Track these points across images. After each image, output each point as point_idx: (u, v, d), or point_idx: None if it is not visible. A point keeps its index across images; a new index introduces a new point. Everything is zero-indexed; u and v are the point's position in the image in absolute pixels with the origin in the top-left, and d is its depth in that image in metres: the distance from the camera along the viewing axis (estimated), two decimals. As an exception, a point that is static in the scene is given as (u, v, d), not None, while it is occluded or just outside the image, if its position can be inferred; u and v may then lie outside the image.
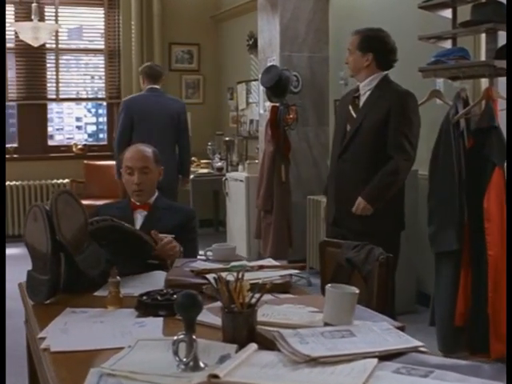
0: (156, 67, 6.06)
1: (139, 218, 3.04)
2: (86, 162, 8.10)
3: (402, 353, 1.65)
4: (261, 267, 2.55)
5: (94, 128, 10.05)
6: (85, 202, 7.26)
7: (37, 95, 8.19)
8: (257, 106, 7.18)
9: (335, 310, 1.84)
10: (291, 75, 5.82)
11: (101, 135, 9.42)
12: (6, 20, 7.78)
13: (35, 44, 7.24)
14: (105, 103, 8.73)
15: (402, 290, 4.45)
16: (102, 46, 8.45)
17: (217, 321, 1.86)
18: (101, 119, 9.59)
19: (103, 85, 8.53)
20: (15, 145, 8.15)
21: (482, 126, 3.72)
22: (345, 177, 3.74)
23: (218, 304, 1.82)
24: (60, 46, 8.25)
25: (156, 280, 2.48)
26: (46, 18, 8.04)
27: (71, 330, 1.97)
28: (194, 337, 1.58)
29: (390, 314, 2.71)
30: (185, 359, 1.57)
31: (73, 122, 10.09)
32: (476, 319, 3.73)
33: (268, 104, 5.99)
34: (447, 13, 4.23)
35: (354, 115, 3.74)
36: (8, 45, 7.88)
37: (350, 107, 3.77)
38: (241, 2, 7.83)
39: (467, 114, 3.86)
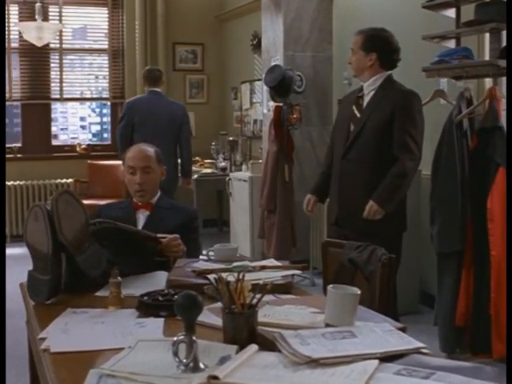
0: (155, 71, 6.28)
1: (141, 218, 3.03)
2: (89, 161, 8.10)
3: (403, 354, 1.64)
4: (263, 267, 2.54)
5: (98, 128, 10.07)
6: (88, 202, 7.27)
7: (41, 95, 8.19)
8: (261, 106, 7.17)
9: (336, 311, 1.83)
10: (295, 75, 5.82)
11: (105, 135, 9.43)
12: (11, 20, 7.81)
13: (39, 44, 7.25)
14: (109, 103, 8.73)
15: (405, 290, 4.44)
16: (106, 46, 8.45)
17: (218, 321, 1.85)
18: (105, 119, 9.60)
19: (107, 85, 8.53)
20: (19, 144, 8.16)
21: (486, 126, 3.70)
22: (348, 177, 3.73)
23: (219, 305, 1.82)
24: (64, 45, 8.25)
25: (157, 280, 2.48)
26: (50, 17, 8.05)
27: (72, 331, 1.96)
28: (193, 338, 1.57)
29: (393, 314, 2.70)
30: (185, 360, 1.56)
31: (77, 122, 10.10)
32: (478, 319, 3.72)
33: (271, 104, 5.98)
34: (451, 12, 4.21)
35: (358, 115, 3.73)
36: (12, 44, 7.90)
37: (354, 107, 3.76)
38: (245, 2, 7.82)
39: (470, 113, 3.85)
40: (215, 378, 1.45)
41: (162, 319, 2.02)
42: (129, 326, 1.97)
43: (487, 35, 4.08)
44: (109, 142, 8.69)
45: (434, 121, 4.30)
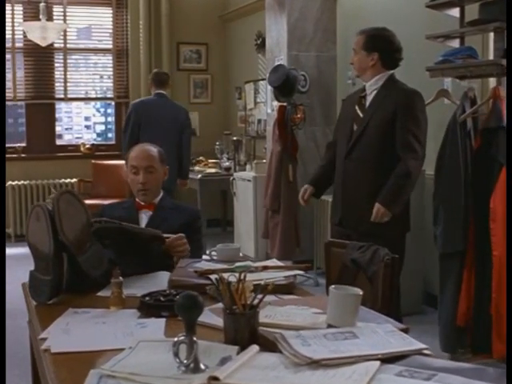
0: (162, 74, 6.51)
1: (144, 217, 3.02)
2: (93, 161, 8.11)
3: (405, 355, 1.63)
4: (265, 268, 2.54)
5: (102, 127, 10.08)
6: (92, 202, 7.28)
7: (45, 95, 8.20)
8: (265, 106, 7.17)
9: (338, 312, 1.83)
10: (299, 75, 5.81)
11: (109, 134, 9.43)
12: (15, 20, 7.81)
13: (43, 44, 7.25)
14: (113, 103, 8.74)
15: (408, 290, 4.43)
16: (111, 46, 8.46)
17: (219, 322, 1.84)
18: (109, 119, 9.61)
19: (111, 84, 8.54)
20: (23, 144, 8.17)
21: (490, 126, 3.69)
22: (351, 177, 3.72)
23: (221, 305, 1.81)
24: (68, 45, 8.26)
25: (159, 280, 2.48)
26: (55, 17, 8.06)
27: (73, 331, 1.96)
28: (194, 338, 1.57)
29: (396, 314, 2.69)
30: (185, 361, 1.56)
31: (81, 122, 10.11)
32: (478, 319, 3.70)
33: (275, 103, 5.98)
34: (455, 12, 4.20)
35: (361, 115, 3.72)
36: (16, 44, 7.91)
37: (357, 107, 3.75)
38: (249, 2, 7.82)
39: (474, 113, 3.84)
40: (216, 378, 1.44)
41: (164, 320, 2.01)
42: (130, 327, 1.97)
43: (491, 34, 4.07)
44: (113, 142, 8.70)
45: (438, 120, 4.29)
